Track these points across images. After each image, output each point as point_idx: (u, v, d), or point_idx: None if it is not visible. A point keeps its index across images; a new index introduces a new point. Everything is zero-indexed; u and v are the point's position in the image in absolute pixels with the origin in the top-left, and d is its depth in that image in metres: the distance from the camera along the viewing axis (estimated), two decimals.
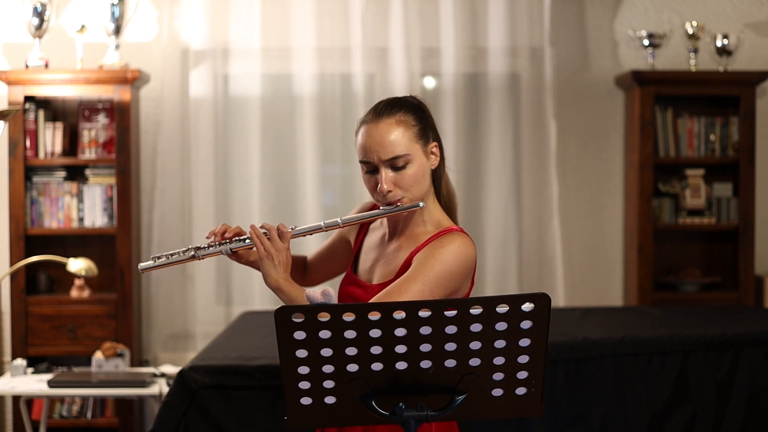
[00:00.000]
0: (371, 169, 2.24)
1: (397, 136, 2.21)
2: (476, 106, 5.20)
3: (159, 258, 2.32)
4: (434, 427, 2.24)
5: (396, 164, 2.21)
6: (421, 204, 2.24)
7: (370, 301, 2.19)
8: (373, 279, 2.34)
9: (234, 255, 2.34)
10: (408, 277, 2.17)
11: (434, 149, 2.30)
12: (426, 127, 2.28)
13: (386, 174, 2.22)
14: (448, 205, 2.38)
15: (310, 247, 4.71)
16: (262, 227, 2.25)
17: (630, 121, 5.24)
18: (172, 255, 2.32)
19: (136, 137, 5.02)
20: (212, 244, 2.31)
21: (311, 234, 2.30)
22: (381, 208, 2.27)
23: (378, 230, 2.41)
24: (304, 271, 2.59)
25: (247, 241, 2.28)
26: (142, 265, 2.34)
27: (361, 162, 2.26)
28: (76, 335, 4.82)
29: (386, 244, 2.36)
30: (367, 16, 5.10)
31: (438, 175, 2.34)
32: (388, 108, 2.25)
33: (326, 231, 2.31)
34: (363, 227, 2.46)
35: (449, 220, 2.33)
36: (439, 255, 2.19)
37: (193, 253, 2.30)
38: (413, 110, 2.27)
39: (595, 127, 5.35)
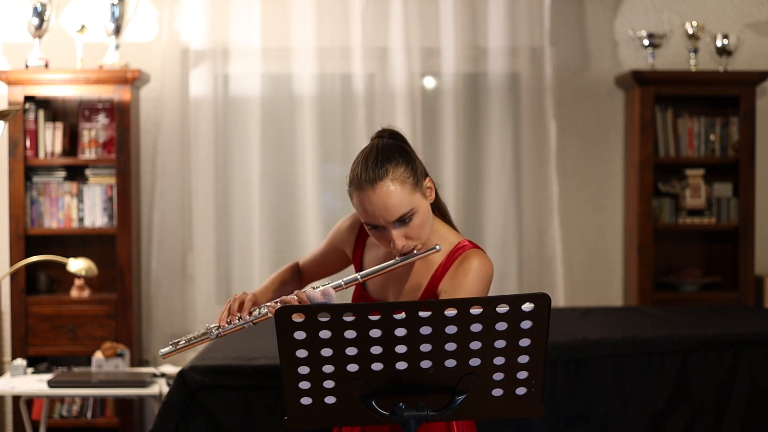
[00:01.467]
0: (377, 227, 2.21)
1: (398, 196, 2.17)
2: (476, 106, 5.20)
3: (178, 343, 2.29)
4: (456, 426, 2.23)
5: (404, 220, 2.19)
6: (438, 248, 2.22)
7: None
8: (388, 298, 2.33)
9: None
10: None
11: (428, 185, 2.27)
12: (416, 170, 2.23)
13: (396, 232, 2.19)
14: (443, 212, 2.38)
15: (306, 245, 4.72)
16: (280, 302, 2.21)
17: (630, 121, 5.24)
18: (193, 338, 2.28)
19: (136, 137, 5.02)
20: (230, 321, 2.27)
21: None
22: (397, 257, 2.24)
23: (377, 246, 2.36)
24: (300, 277, 2.59)
25: (269, 314, 2.24)
26: (163, 351, 2.30)
27: (367, 224, 2.23)
28: (76, 335, 4.82)
29: (392, 259, 2.32)
30: (367, 16, 5.09)
31: (436, 200, 2.33)
32: (378, 167, 2.18)
33: (345, 288, 2.27)
34: (359, 242, 2.43)
35: (454, 233, 2.33)
36: (465, 286, 2.19)
37: (216, 333, 2.26)
38: (400, 157, 2.21)
39: (595, 127, 5.35)
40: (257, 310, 2.27)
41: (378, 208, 2.17)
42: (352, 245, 2.45)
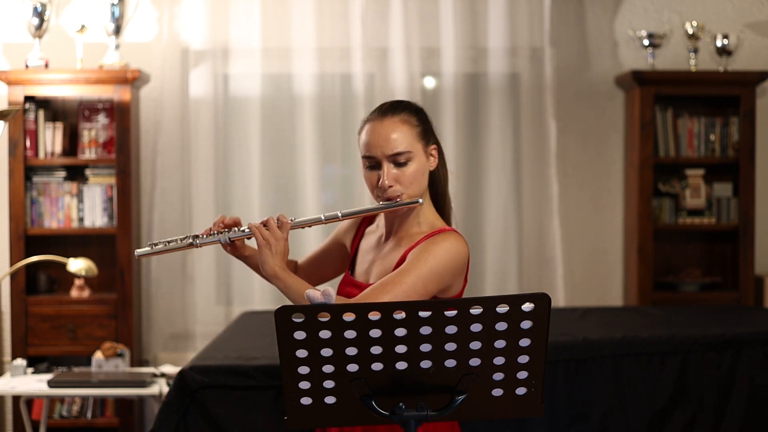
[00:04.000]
0: (373, 164, 2.30)
1: (401, 134, 2.28)
2: (476, 106, 5.20)
3: (156, 245, 2.37)
4: (431, 427, 2.24)
5: (398, 160, 2.28)
6: (420, 200, 2.30)
7: (364, 291, 2.23)
8: (371, 279, 2.36)
9: (231, 246, 2.40)
10: (402, 270, 2.21)
11: (433, 151, 2.36)
12: (428, 130, 2.35)
13: (388, 169, 2.28)
14: (443, 209, 2.42)
15: (311, 246, 4.72)
16: (262, 222, 2.29)
17: (630, 121, 5.24)
18: (169, 242, 2.36)
19: (136, 137, 5.03)
20: (211, 233, 2.36)
21: (310, 226, 2.35)
22: (380, 203, 2.31)
23: (374, 233, 2.45)
24: (295, 271, 2.60)
25: (246, 231, 2.32)
26: (138, 251, 2.38)
27: (364, 157, 2.31)
28: (76, 335, 4.82)
29: (382, 245, 2.40)
30: (367, 16, 5.09)
31: (435, 178, 2.39)
32: (392, 108, 2.32)
33: (326, 224, 2.35)
34: (359, 231, 2.50)
35: (443, 222, 2.38)
36: (433, 250, 2.23)
37: (190, 240, 2.34)
38: (416, 112, 2.34)
39: (595, 127, 5.35)
40: (237, 229, 2.36)
41: (380, 137, 2.27)
42: (352, 234, 2.52)
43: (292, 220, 2.31)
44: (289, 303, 2.21)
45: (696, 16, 5.31)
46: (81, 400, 4.89)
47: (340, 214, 2.34)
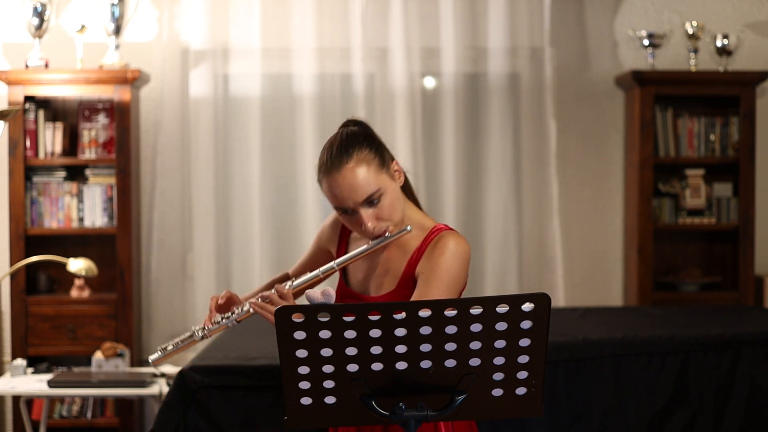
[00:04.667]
0: (348, 211, 2.26)
1: (364, 177, 2.23)
2: (476, 106, 5.20)
3: (165, 349, 2.34)
4: (455, 426, 2.24)
5: (372, 200, 2.24)
6: (409, 228, 2.26)
7: None
8: (370, 290, 2.35)
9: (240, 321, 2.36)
10: (423, 296, 2.20)
11: (396, 167, 2.32)
12: (382, 153, 2.29)
13: (366, 213, 2.24)
14: (413, 200, 2.42)
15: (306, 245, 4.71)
16: (260, 297, 2.25)
17: (630, 121, 5.24)
18: (179, 343, 2.33)
19: (136, 137, 5.03)
20: (216, 321, 2.32)
21: (309, 286, 2.31)
22: (370, 242, 2.29)
23: (359, 240, 2.41)
24: None
25: (249, 310, 2.28)
26: (151, 357, 2.35)
27: (338, 209, 2.28)
28: (76, 335, 4.82)
29: (374, 253, 2.36)
30: (367, 16, 5.09)
31: (406, 184, 2.38)
32: (343, 151, 2.26)
33: (324, 278, 2.33)
34: (342, 239, 2.47)
35: (429, 218, 2.37)
36: (442, 265, 2.22)
37: (201, 335, 2.31)
38: (365, 141, 2.29)
39: (595, 127, 5.35)
40: (239, 308, 2.31)
41: (345, 189, 2.23)
42: (336, 243, 2.48)
43: (289, 285, 2.28)
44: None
45: (696, 16, 5.31)
46: (81, 400, 4.89)
47: (335, 266, 2.31)
